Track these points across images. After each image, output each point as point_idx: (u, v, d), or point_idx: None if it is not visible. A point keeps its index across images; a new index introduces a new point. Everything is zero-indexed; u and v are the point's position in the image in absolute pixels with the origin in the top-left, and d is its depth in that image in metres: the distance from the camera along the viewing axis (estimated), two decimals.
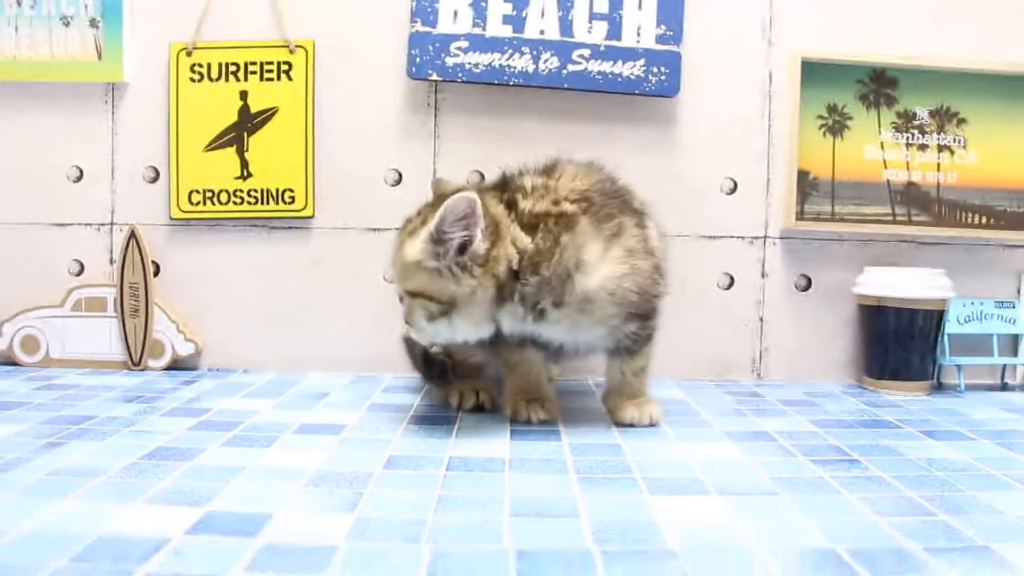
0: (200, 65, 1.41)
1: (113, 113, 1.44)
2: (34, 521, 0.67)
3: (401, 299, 1.01)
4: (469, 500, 0.74)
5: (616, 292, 0.97)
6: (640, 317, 1.01)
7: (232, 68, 1.41)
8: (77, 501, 0.72)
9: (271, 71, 1.40)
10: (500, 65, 1.37)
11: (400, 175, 1.41)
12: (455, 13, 1.37)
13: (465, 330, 0.97)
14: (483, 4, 1.38)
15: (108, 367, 1.40)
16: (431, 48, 1.37)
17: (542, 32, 1.38)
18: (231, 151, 1.41)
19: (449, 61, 1.37)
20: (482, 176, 1.39)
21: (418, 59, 1.37)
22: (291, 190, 1.39)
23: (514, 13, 1.38)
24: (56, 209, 1.42)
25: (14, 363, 1.42)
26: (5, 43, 1.42)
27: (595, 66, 1.38)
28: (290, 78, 1.40)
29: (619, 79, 1.38)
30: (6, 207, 1.42)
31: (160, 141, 1.43)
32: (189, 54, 1.41)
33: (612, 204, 1.01)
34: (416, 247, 0.95)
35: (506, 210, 0.98)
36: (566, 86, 1.38)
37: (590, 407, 1.17)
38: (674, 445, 0.96)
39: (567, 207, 0.98)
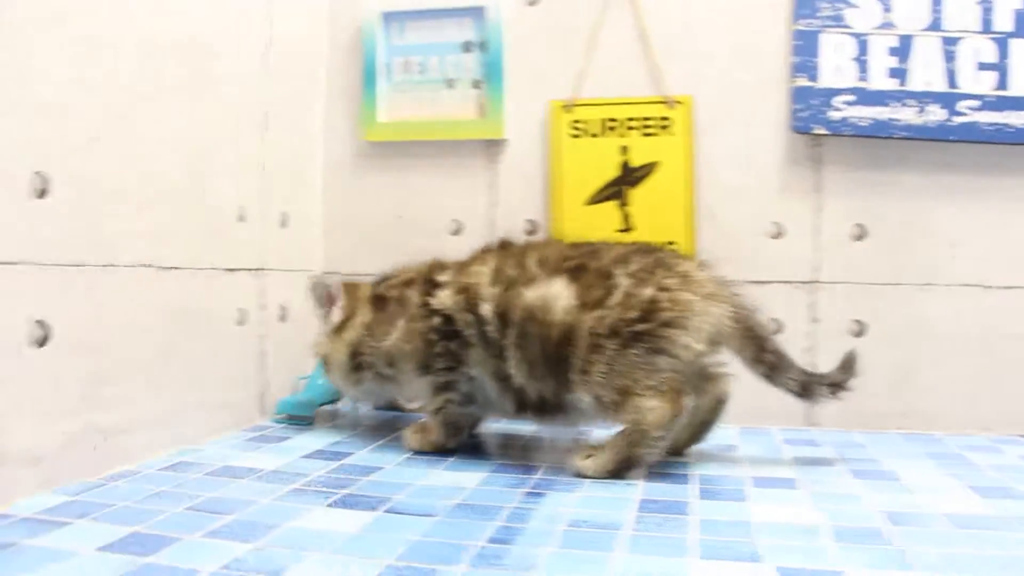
0: (580, 121, 1.69)
1: (493, 169, 1.73)
2: None
3: None
4: None
5: (400, 350, 1.38)
6: (426, 368, 1.33)
7: (611, 124, 1.68)
8: None
9: (651, 126, 1.67)
10: (886, 118, 1.60)
11: (782, 228, 1.66)
12: (838, 67, 1.62)
13: (340, 384, 1.51)
14: (866, 58, 1.61)
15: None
16: (815, 102, 1.62)
17: (927, 84, 1.61)
18: (613, 204, 1.68)
19: (833, 115, 1.62)
20: (865, 231, 1.62)
21: (802, 113, 1.62)
22: (673, 243, 1.66)
23: (898, 66, 1.61)
24: None
25: (398, 409, 1.70)
26: (395, 106, 1.73)
27: (983, 117, 1.59)
28: (670, 133, 1.67)
29: (1008, 129, 1.58)
30: (388, 259, 1.66)
31: (538, 195, 1.70)
32: (569, 111, 1.69)
33: (408, 286, 1.39)
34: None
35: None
36: (952, 138, 1.59)
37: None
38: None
39: (390, 292, 1.40)
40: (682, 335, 1.19)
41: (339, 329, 1.38)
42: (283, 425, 1.52)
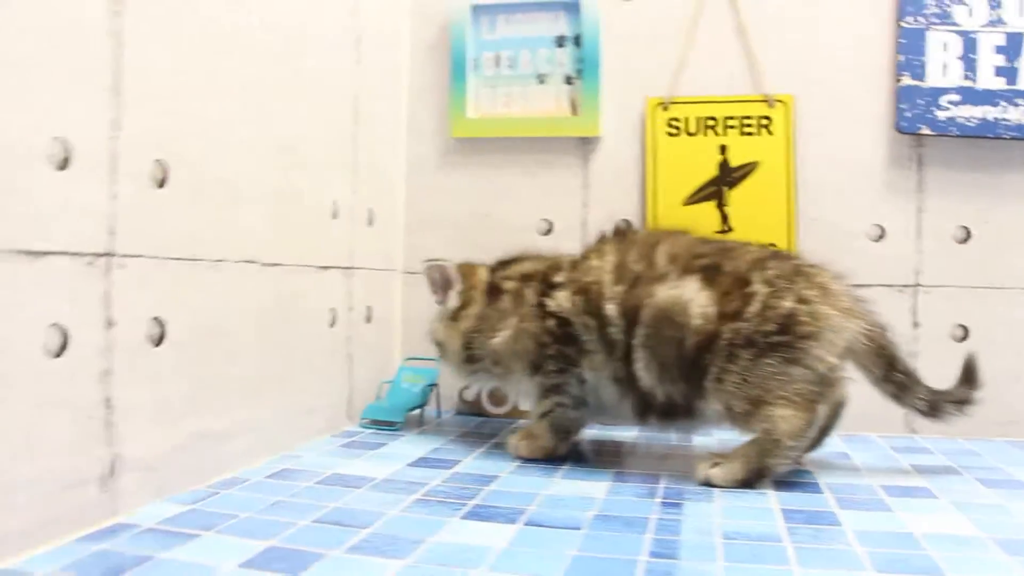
0: (677, 119, 1.62)
1: (585, 167, 1.65)
2: None
3: None
4: None
5: (511, 350, 1.29)
6: (535, 369, 1.27)
7: (710, 122, 1.61)
8: None
9: (750, 125, 1.60)
10: (994, 118, 1.54)
11: (883, 230, 1.59)
12: (944, 66, 1.55)
13: (455, 372, 1.42)
14: (973, 56, 1.55)
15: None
16: (920, 102, 1.55)
17: None
18: (711, 205, 1.60)
19: (940, 115, 1.55)
20: (968, 233, 1.55)
21: (908, 113, 1.55)
22: (773, 244, 1.58)
23: (1007, 64, 1.55)
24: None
25: (482, 414, 1.63)
26: (483, 102, 1.65)
27: None
28: (770, 132, 1.59)
29: None
30: (476, 258, 1.63)
31: (633, 195, 1.63)
32: (665, 108, 1.62)
33: (527, 282, 1.31)
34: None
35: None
36: None
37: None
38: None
39: (506, 284, 1.31)
40: (818, 348, 1.14)
41: (454, 316, 1.30)
42: (371, 431, 1.43)
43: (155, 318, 0.98)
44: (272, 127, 1.23)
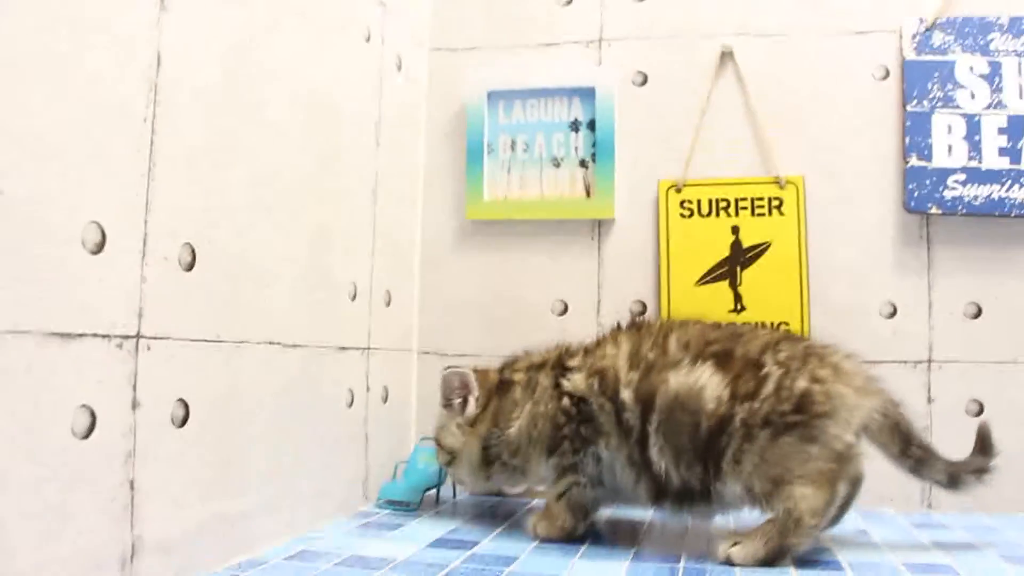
0: (689, 201, 1.64)
1: (600, 249, 1.67)
2: None
3: None
4: None
5: (527, 436, 1.29)
6: (551, 452, 1.26)
7: (723, 204, 1.63)
8: None
9: (762, 206, 1.62)
10: (999, 197, 1.55)
11: (895, 307, 1.59)
12: (949, 148, 1.58)
13: (466, 477, 1.38)
14: (977, 138, 1.57)
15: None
16: (928, 182, 1.57)
17: None
18: (724, 285, 1.61)
19: (947, 194, 1.56)
20: (979, 309, 1.57)
21: (916, 193, 1.57)
22: (786, 323, 1.58)
23: (1009, 145, 1.57)
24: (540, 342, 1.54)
25: (498, 494, 1.62)
26: (499, 184, 1.67)
27: None
28: (781, 213, 1.61)
29: None
30: (488, 341, 1.65)
31: (647, 276, 1.64)
32: (678, 191, 1.64)
33: (541, 369, 1.31)
34: (440, 410, 1.36)
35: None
36: None
37: None
38: None
39: (515, 376, 1.31)
40: (834, 426, 1.14)
41: (473, 423, 1.30)
42: (388, 512, 1.41)
43: (179, 399, 0.97)
44: (296, 208, 1.26)
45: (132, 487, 0.90)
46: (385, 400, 1.53)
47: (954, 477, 1.20)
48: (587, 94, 1.65)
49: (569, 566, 1.14)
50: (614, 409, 1.23)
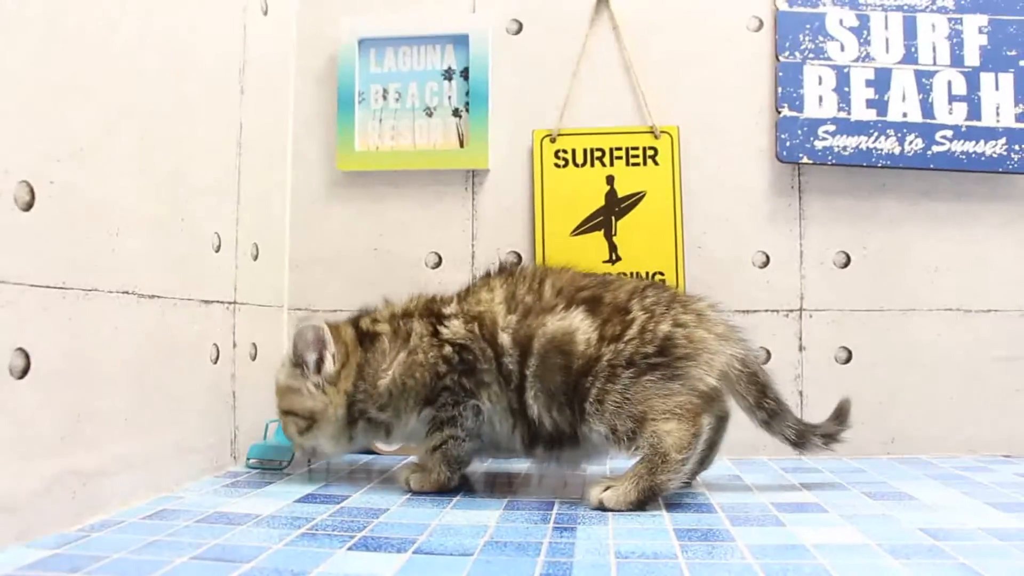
0: (564, 151, 1.64)
1: (474, 200, 1.65)
2: None
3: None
4: None
5: (400, 387, 1.24)
6: (427, 403, 1.24)
7: (598, 154, 1.63)
8: None
9: (636, 156, 1.63)
10: (867, 147, 1.61)
11: (768, 257, 1.63)
12: (820, 98, 1.62)
13: (327, 443, 1.28)
14: (846, 89, 1.62)
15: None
16: (800, 132, 1.61)
17: (904, 115, 1.62)
18: (599, 235, 1.62)
19: (818, 144, 1.61)
20: (848, 258, 1.62)
21: (788, 143, 1.61)
22: (661, 273, 1.60)
23: (876, 97, 1.62)
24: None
25: (372, 452, 1.61)
26: (370, 135, 1.64)
27: (958, 146, 1.61)
28: (656, 163, 1.63)
29: (981, 158, 1.61)
30: (361, 294, 1.61)
31: (521, 226, 1.64)
32: (553, 140, 1.64)
33: (410, 318, 1.28)
34: (283, 372, 1.28)
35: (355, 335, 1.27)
36: (932, 166, 1.60)
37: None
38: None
39: (378, 327, 1.28)
40: (696, 368, 1.17)
41: (336, 379, 1.25)
42: (257, 471, 1.37)
43: (18, 348, 0.91)
44: (152, 152, 1.19)
45: None
46: (254, 358, 1.49)
47: (802, 436, 1.24)
48: (461, 42, 1.63)
49: (440, 515, 1.12)
50: (495, 355, 1.21)
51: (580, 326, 1.17)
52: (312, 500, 1.20)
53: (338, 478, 1.37)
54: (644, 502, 1.13)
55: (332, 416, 1.26)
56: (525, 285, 1.22)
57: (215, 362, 1.35)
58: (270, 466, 1.41)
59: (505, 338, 1.19)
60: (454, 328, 1.22)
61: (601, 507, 1.14)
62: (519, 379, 1.18)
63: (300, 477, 1.37)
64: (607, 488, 1.13)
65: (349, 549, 0.95)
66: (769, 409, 1.21)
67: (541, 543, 0.98)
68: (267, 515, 1.09)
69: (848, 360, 1.56)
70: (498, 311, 1.21)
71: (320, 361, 1.25)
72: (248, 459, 1.43)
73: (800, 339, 1.58)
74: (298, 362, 1.26)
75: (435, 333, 1.23)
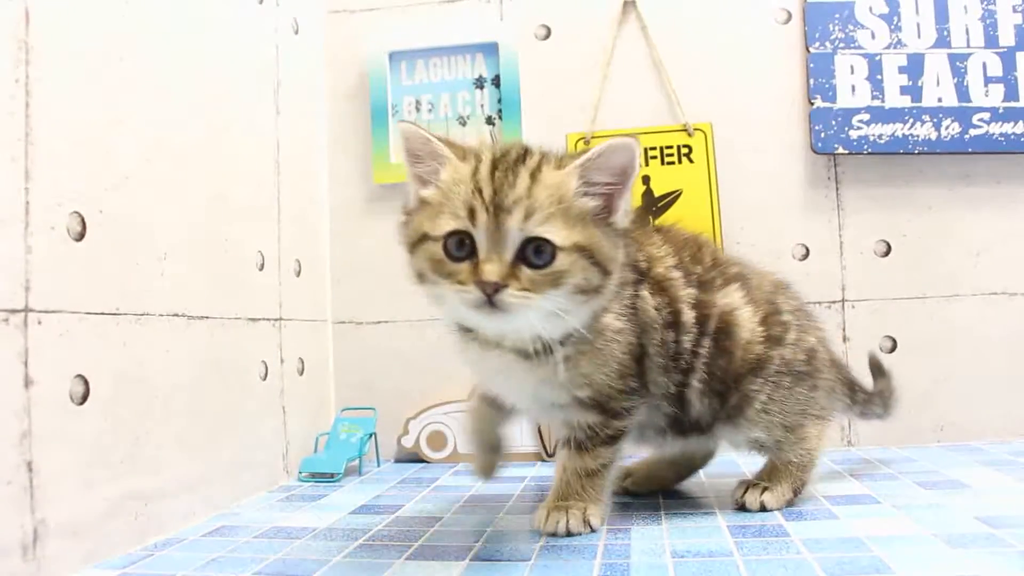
0: None
1: None
2: None
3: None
4: None
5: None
6: (597, 407, 0.99)
7: None
8: None
9: (671, 155, 1.63)
10: (903, 135, 1.60)
11: (807, 249, 1.63)
12: (853, 88, 1.61)
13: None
14: (879, 77, 1.61)
15: (522, 459, 1.58)
16: (833, 123, 1.60)
17: (940, 100, 1.60)
18: None
19: (853, 134, 1.60)
20: (888, 247, 1.60)
21: (823, 134, 1.60)
22: None
23: (910, 83, 1.61)
24: None
25: (421, 460, 1.61)
26: None
27: (996, 128, 1.60)
28: (691, 160, 1.63)
29: (1020, 139, 1.60)
30: (405, 306, 1.64)
31: None
32: (587, 143, 1.64)
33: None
34: (570, 176, 0.87)
35: None
36: (969, 150, 1.59)
37: None
38: None
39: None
40: (823, 375, 1.18)
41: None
42: (310, 484, 1.39)
43: (78, 375, 0.94)
44: (195, 177, 1.22)
45: (30, 469, 0.87)
46: (301, 372, 1.51)
47: (869, 402, 1.30)
48: (490, 50, 1.64)
49: (494, 522, 1.14)
50: (675, 331, 1.03)
51: (742, 307, 1.07)
52: (367, 511, 1.22)
53: (390, 487, 1.40)
54: (794, 500, 1.14)
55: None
56: (687, 251, 1.08)
57: (264, 379, 1.37)
58: (323, 478, 1.43)
59: (689, 314, 1.04)
60: (645, 298, 1.01)
61: (763, 508, 1.11)
62: (691, 358, 1.04)
63: (353, 488, 1.41)
64: (764, 490, 1.11)
65: (408, 559, 0.96)
66: (862, 400, 1.26)
67: (596, 545, 0.99)
68: (324, 528, 1.11)
69: (893, 349, 1.56)
70: (678, 280, 1.04)
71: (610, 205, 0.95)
72: (300, 472, 1.44)
73: (844, 330, 1.57)
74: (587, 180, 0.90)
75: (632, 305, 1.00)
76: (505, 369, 0.96)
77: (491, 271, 0.83)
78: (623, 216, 0.92)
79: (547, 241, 0.84)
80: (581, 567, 0.90)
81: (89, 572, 0.94)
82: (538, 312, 0.84)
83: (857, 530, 0.99)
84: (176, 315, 1.13)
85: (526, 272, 0.84)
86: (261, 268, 1.38)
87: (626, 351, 0.97)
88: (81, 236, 0.96)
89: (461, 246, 0.86)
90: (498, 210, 0.84)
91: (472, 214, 0.85)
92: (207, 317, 1.20)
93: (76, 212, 0.95)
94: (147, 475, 1.07)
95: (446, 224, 0.86)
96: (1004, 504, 1.08)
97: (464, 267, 0.86)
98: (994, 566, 0.83)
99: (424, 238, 0.89)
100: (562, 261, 0.85)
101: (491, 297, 0.83)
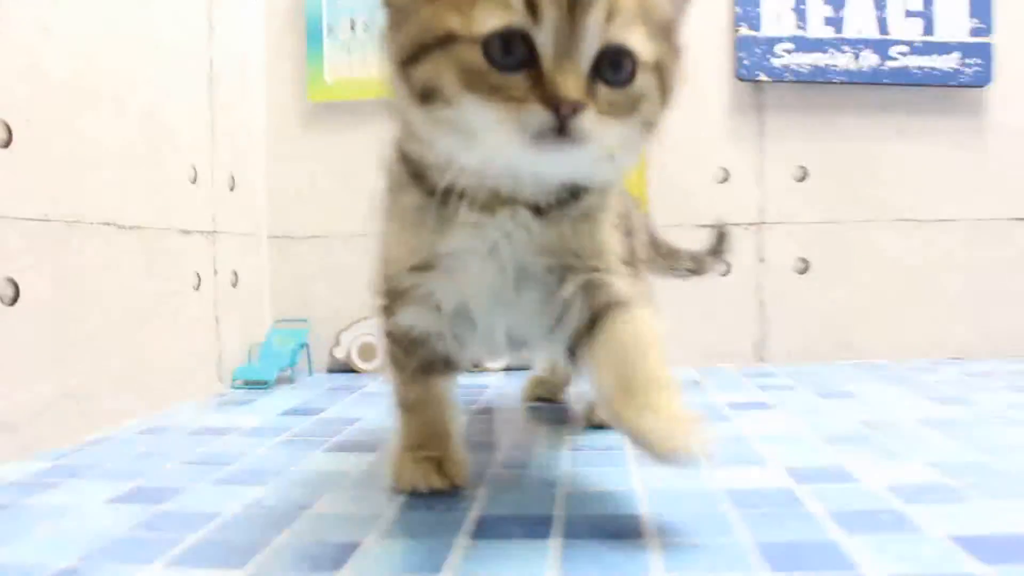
0: None
1: None
2: None
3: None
4: None
5: None
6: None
7: None
8: None
9: None
10: (824, 64, 1.67)
11: (728, 172, 1.70)
12: (778, 16, 1.67)
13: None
14: (803, 7, 1.67)
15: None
16: (758, 51, 1.67)
17: (860, 31, 1.67)
18: None
19: (776, 62, 1.67)
20: (805, 172, 1.71)
21: (746, 61, 1.67)
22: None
23: (833, 14, 1.67)
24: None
25: (352, 371, 1.69)
26: (341, 66, 1.70)
27: (913, 61, 1.67)
28: None
29: (935, 72, 1.67)
30: (341, 222, 1.71)
31: None
32: None
33: None
34: None
35: None
36: (886, 81, 1.66)
37: None
38: None
39: None
40: None
41: None
42: (243, 391, 1.46)
43: (8, 278, 1.00)
44: (126, 91, 1.25)
45: None
46: (235, 284, 1.57)
47: (699, 262, 1.35)
48: None
49: None
50: None
51: None
52: (293, 413, 1.29)
53: (319, 394, 1.47)
54: None
55: None
56: None
57: (197, 289, 1.42)
58: (255, 386, 1.50)
59: None
60: None
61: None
62: None
63: (283, 394, 1.47)
64: None
65: (325, 451, 1.04)
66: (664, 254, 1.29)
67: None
68: (251, 427, 1.18)
69: (805, 270, 1.63)
70: None
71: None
72: (233, 380, 1.50)
73: (760, 251, 1.65)
74: None
75: None
76: (504, 238, 0.72)
77: (570, 86, 0.59)
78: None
79: (628, 53, 0.63)
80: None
81: (22, 464, 1.00)
82: (612, 146, 0.64)
83: (745, 430, 1.08)
84: (108, 223, 1.17)
85: (603, 91, 0.62)
86: (194, 181, 1.42)
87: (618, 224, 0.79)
88: (7, 143, 0.99)
89: (508, 51, 0.60)
90: (572, 3, 0.60)
91: (532, 5, 0.59)
92: (139, 227, 1.25)
93: (1, 120, 0.98)
94: (81, 376, 1.12)
95: (490, 18, 0.60)
96: (887, 411, 1.18)
97: (519, 79, 0.60)
98: (860, 457, 0.93)
99: (448, 39, 0.61)
100: (641, 81, 0.64)
101: (566, 121, 0.60)
